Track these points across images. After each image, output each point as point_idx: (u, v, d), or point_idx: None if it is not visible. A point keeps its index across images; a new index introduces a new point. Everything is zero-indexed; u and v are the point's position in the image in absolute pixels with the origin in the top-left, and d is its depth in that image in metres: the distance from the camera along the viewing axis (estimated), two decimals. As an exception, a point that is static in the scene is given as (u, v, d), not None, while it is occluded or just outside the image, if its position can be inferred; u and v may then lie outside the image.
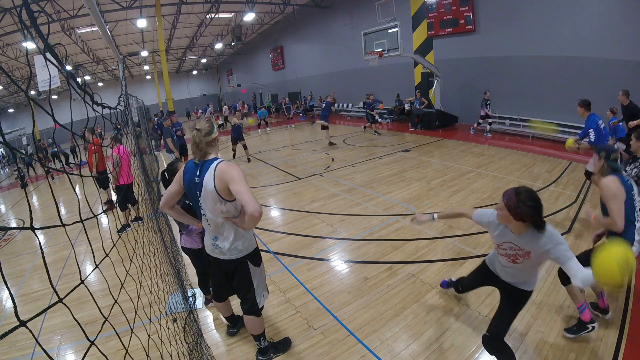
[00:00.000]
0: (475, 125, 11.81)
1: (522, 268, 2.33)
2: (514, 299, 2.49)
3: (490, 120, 11.53)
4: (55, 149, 17.67)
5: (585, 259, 2.64)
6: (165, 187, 3.02)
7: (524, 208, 1.99)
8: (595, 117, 4.87)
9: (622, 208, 2.60)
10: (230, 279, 2.72)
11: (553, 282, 3.63)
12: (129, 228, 5.99)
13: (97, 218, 6.15)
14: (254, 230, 5.39)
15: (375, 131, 13.63)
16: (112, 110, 2.07)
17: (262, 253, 4.69)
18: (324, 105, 11.89)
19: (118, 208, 6.26)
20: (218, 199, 2.32)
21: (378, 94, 18.68)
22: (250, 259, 2.61)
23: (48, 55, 0.99)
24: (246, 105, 27.17)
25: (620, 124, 6.45)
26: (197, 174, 2.38)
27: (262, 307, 2.79)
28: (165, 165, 9.36)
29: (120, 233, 5.75)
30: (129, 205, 6.34)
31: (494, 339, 2.44)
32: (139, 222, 6.36)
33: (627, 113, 6.11)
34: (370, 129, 13.70)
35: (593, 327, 2.81)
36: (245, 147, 10.57)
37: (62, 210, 8.60)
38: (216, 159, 2.39)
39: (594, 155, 2.75)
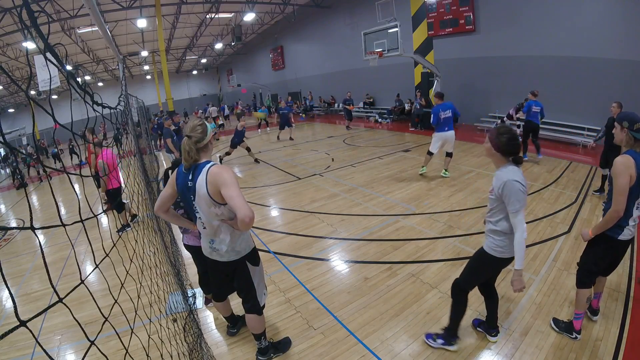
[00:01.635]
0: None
1: (492, 212, 2.55)
2: (478, 252, 2.70)
3: (518, 123, 10.40)
4: (56, 149, 17.68)
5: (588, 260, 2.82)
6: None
7: (502, 139, 2.36)
8: None
9: (627, 190, 2.48)
10: (230, 280, 2.71)
11: (553, 282, 3.64)
12: (129, 228, 6.03)
13: (97, 218, 6.15)
14: (254, 230, 5.39)
15: (347, 126, 15.11)
16: (112, 110, 2.07)
17: (262, 253, 4.72)
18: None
19: (115, 211, 6.26)
20: (212, 203, 2.31)
21: (378, 94, 18.74)
22: (249, 259, 2.61)
23: (48, 55, 0.99)
24: (240, 106, 27.26)
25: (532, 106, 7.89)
26: (190, 177, 2.36)
27: (264, 306, 2.79)
28: (165, 165, 9.33)
29: (120, 233, 5.79)
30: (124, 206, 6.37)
31: (456, 285, 2.78)
32: (135, 219, 6.37)
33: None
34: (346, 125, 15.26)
35: (576, 338, 2.85)
36: (248, 149, 10.51)
37: (62, 210, 8.60)
38: (208, 162, 2.36)
39: (617, 125, 2.59)
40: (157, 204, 2.59)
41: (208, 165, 2.31)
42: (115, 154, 5.95)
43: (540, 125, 8.21)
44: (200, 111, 25.60)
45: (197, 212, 2.42)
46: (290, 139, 14.00)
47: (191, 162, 2.36)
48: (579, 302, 2.86)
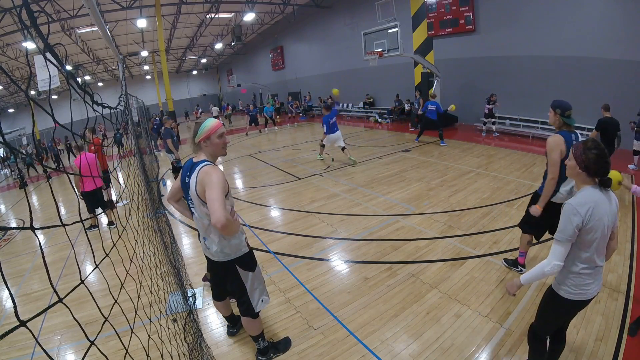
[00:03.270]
0: (483, 127, 11.81)
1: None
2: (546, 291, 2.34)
3: (492, 120, 11.58)
4: (56, 149, 17.71)
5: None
6: None
7: (590, 155, 1.95)
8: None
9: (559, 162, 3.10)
10: (225, 281, 2.73)
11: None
12: (95, 228, 6.50)
13: (96, 218, 6.16)
14: (254, 230, 5.39)
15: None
16: (112, 110, 2.07)
17: (262, 253, 4.72)
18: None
19: (87, 211, 6.30)
20: (200, 202, 2.36)
21: (378, 94, 18.74)
22: (239, 263, 2.59)
23: (48, 55, 0.99)
24: (230, 107, 27.59)
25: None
26: (187, 174, 2.43)
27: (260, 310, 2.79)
28: (169, 164, 9.31)
29: (88, 231, 5.93)
30: (99, 209, 6.43)
31: (531, 331, 2.45)
32: (112, 226, 6.48)
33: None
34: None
35: (522, 270, 3.82)
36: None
37: (62, 210, 8.60)
38: (204, 161, 2.39)
39: (551, 110, 3.24)
40: (168, 194, 2.75)
41: (202, 164, 2.35)
42: (94, 158, 6.11)
43: (540, 125, 8.31)
44: (200, 111, 25.67)
45: (193, 208, 2.50)
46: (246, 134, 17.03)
47: (194, 151, 2.48)
48: (521, 244, 3.83)
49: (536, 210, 3.38)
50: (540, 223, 3.51)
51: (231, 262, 2.56)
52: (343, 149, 9.16)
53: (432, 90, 12.35)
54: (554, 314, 2.26)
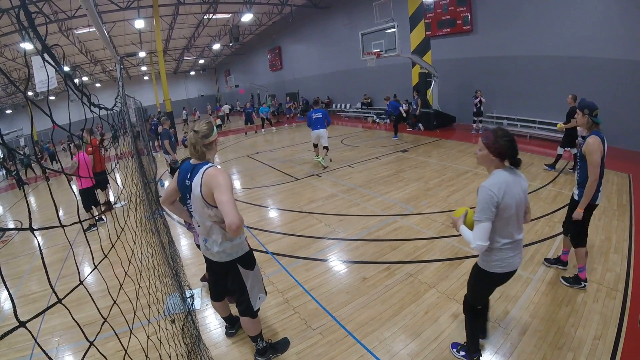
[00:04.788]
0: (473, 125, 11.91)
1: None
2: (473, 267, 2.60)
3: (480, 119, 11.88)
4: (54, 150, 17.61)
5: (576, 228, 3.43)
6: None
7: (502, 142, 2.16)
8: None
9: (599, 163, 3.12)
10: (224, 281, 2.73)
11: (551, 281, 3.65)
12: (95, 228, 6.59)
13: (95, 219, 6.13)
14: (252, 231, 5.39)
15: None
16: (108, 112, 2.07)
17: (260, 254, 4.72)
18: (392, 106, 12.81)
19: (83, 209, 6.63)
20: (204, 204, 2.35)
21: (376, 94, 18.74)
22: (241, 262, 2.60)
23: (46, 56, 0.99)
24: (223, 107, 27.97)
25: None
26: (188, 176, 2.42)
27: (258, 309, 2.79)
28: (167, 165, 9.29)
29: (87, 231, 6.43)
30: (92, 206, 6.77)
31: (467, 303, 2.70)
32: (101, 222, 6.90)
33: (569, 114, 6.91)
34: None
35: (585, 286, 3.46)
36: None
37: (61, 212, 8.57)
38: (207, 162, 2.40)
39: (578, 112, 3.28)
40: (162, 195, 2.73)
41: (206, 167, 2.35)
42: (89, 159, 6.53)
43: (537, 125, 8.71)
44: (198, 112, 25.74)
45: (192, 211, 2.48)
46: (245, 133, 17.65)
47: (197, 157, 2.43)
48: (579, 258, 3.47)
49: (579, 213, 3.31)
50: (586, 226, 3.43)
51: (233, 261, 2.57)
52: (324, 147, 9.12)
53: (430, 91, 12.44)
54: (486, 288, 2.58)
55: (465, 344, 2.79)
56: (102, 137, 8.97)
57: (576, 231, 3.45)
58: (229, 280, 2.69)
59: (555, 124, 9.82)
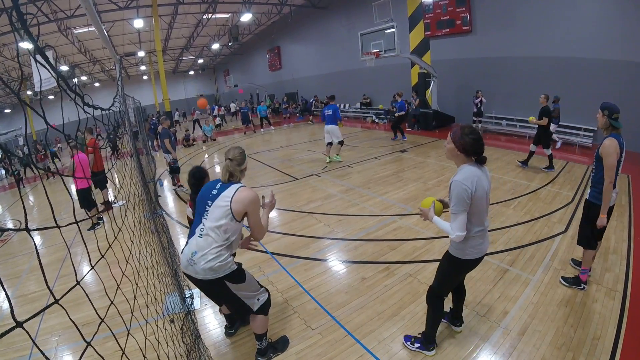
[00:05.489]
0: (475, 125, 11.92)
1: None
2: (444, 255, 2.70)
3: (480, 119, 11.97)
4: (55, 149, 17.62)
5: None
6: (193, 190, 3.25)
7: (467, 139, 2.28)
8: None
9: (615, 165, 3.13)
10: (214, 293, 2.70)
11: (550, 281, 3.65)
12: (99, 226, 6.57)
13: (92, 219, 6.11)
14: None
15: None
16: (104, 112, 2.06)
17: (259, 254, 4.71)
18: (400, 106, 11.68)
19: (81, 208, 6.62)
20: (230, 217, 2.41)
21: (375, 94, 18.76)
22: (229, 279, 2.50)
23: (38, 57, 0.98)
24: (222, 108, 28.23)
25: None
26: (217, 186, 2.54)
27: (270, 305, 2.83)
28: (166, 165, 9.24)
29: (89, 231, 6.45)
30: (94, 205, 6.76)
31: (432, 293, 2.76)
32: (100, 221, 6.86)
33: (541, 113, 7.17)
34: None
35: (584, 288, 3.43)
36: None
37: (62, 211, 8.55)
38: (239, 182, 2.59)
39: (599, 112, 3.24)
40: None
41: (239, 185, 2.51)
42: (86, 159, 6.50)
43: (536, 126, 8.60)
44: (198, 112, 25.67)
45: (205, 218, 2.48)
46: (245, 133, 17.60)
47: (227, 179, 2.59)
48: (586, 261, 3.46)
49: (603, 219, 3.23)
50: (602, 229, 3.36)
51: (220, 279, 2.47)
52: (330, 144, 9.39)
53: (429, 91, 12.40)
54: (457, 276, 2.71)
55: (420, 336, 2.88)
56: (98, 136, 8.99)
57: (592, 233, 3.39)
58: (221, 297, 2.72)
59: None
